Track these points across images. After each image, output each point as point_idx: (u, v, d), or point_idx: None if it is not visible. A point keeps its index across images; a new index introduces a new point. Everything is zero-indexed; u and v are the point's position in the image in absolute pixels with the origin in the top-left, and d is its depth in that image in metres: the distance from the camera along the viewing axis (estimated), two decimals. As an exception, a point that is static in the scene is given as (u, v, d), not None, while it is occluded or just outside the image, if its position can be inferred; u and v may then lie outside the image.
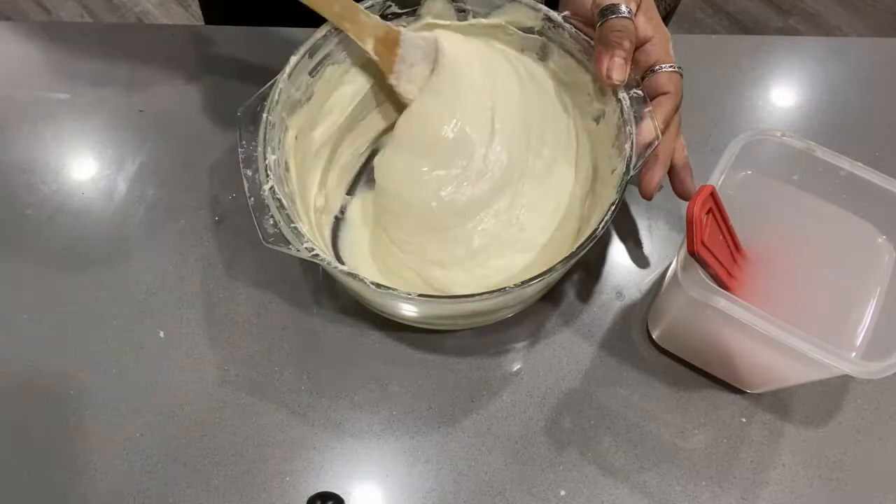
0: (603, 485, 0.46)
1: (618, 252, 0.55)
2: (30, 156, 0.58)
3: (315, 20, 0.52)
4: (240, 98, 0.45)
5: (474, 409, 0.48)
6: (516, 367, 0.50)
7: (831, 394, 0.49)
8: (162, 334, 0.51)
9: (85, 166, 0.58)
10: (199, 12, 0.75)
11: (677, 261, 0.42)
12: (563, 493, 0.46)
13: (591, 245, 0.41)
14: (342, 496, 0.45)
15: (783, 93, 0.63)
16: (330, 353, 0.50)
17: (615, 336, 0.51)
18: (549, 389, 0.49)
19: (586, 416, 0.48)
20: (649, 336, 0.51)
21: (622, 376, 0.50)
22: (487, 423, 0.48)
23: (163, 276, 0.53)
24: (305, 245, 0.41)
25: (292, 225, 0.42)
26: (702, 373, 0.50)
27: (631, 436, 0.48)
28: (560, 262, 0.41)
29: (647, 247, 0.55)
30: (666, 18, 1.04)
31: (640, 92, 0.46)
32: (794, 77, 0.64)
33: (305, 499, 0.45)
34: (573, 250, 0.41)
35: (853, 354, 0.41)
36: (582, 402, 0.49)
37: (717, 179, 0.42)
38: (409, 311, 0.46)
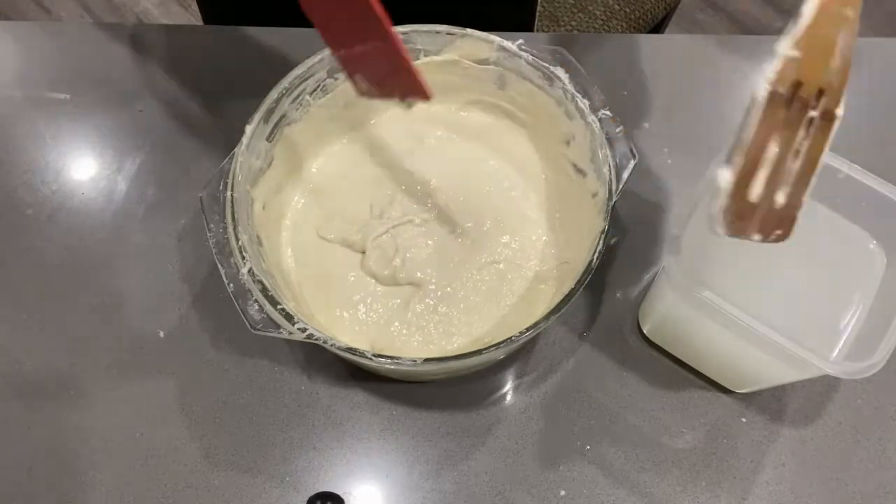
0: (603, 485, 0.46)
1: (618, 252, 0.55)
2: (30, 156, 0.58)
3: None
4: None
5: (474, 409, 0.48)
6: (516, 367, 0.50)
7: (831, 394, 0.49)
8: (162, 334, 0.51)
9: (85, 166, 0.58)
10: (200, 12, 0.75)
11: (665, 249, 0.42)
12: (563, 493, 0.46)
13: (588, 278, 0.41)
14: (342, 496, 0.45)
15: (783, 93, 0.62)
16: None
17: (616, 337, 0.51)
18: (549, 389, 0.49)
19: (586, 417, 0.48)
20: (648, 336, 0.51)
21: (622, 377, 0.50)
22: (487, 423, 0.48)
23: (163, 275, 0.53)
24: (298, 326, 0.38)
25: (279, 307, 0.39)
26: (701, 373, 0.50)
27: (631, 436, 0.48)
28: (545, 315, 0.40)
29: (647, 247, 0.55)
30: (666, 18, 1.04)
31: (608, 113, 0.46)
32: (794, 77, 0.64)
33: (305, 499, 0.45)
34: (572, 287, 0.40)
35: (840, 354, 0.41)
36: (581, 402, 0.49)
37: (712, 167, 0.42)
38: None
